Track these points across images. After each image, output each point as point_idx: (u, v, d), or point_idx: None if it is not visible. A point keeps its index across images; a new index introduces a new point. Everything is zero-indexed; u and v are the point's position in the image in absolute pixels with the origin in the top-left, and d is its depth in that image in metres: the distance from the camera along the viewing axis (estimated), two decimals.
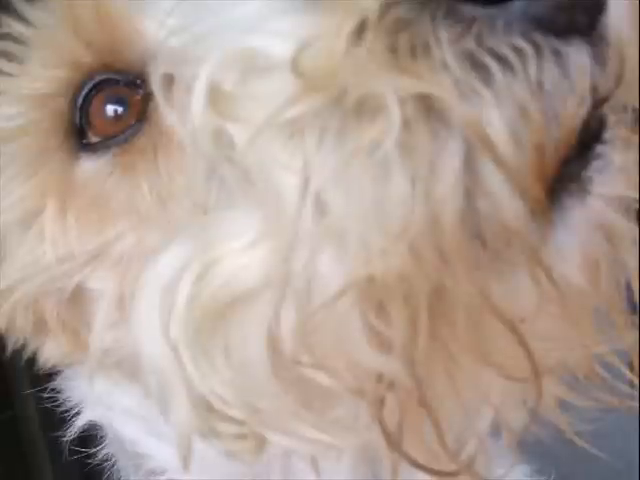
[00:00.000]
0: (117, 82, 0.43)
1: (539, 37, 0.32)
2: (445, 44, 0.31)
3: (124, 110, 0.42)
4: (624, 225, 0.37)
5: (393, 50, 0.31)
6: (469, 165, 0.31)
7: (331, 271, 0.33)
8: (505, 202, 0.32)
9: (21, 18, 0.45)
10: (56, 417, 0.55)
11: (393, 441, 0.37)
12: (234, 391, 0.38)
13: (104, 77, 0.43)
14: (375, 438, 0.37)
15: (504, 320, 0.34)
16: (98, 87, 0.43)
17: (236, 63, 0.35)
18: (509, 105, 0.31)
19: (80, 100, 0.43)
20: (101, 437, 0.55)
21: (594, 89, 0.33)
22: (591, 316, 0.39)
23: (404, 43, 0.31)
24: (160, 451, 0.50)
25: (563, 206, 0.35)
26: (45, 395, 0.55)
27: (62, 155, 0.44)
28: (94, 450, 0.55)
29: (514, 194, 0.32)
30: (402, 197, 0.31)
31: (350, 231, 0.32)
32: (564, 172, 0.34)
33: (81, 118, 0.44)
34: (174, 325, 0.37)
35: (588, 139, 0.35)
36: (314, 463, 0.43)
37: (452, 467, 0.38)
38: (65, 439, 0.53)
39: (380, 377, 0.35)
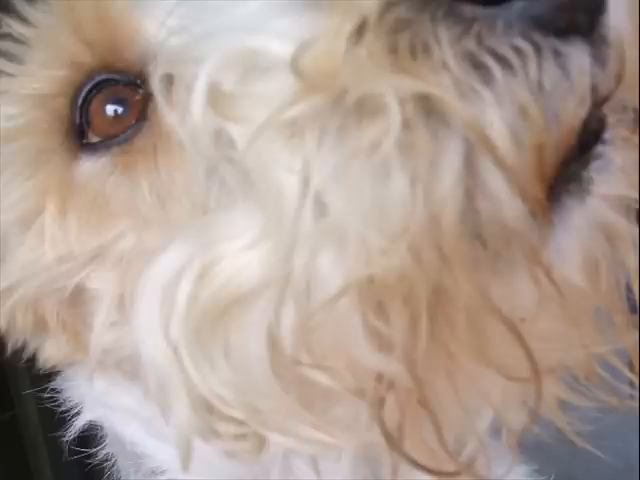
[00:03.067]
0: (117, 82, 0.43)
1: (539, 37, 0.32)
2: (445, 44, 0.31)
3: (124, 110, 0.42)
4: (624, 225, 0.37)
5: (393, 50, 0.31)
6: (469, 165, 0.31)
7: (331, 271, 0.33)
8: (505, 202, 0.32)
9: (21, 18, 0.45)
10: (56, 417, 0.55)
11: (393, 441, 0.36)
12: (234, 391, 0.38)
13: (104, 77, 0.43)
14: (375, 438, 0.37)
15: (504, 320, 0.34)
16: (98, 87, 0.43)
17: (236, 63, 0.35)
18: (509, 105, 0.31)
19: (80, 100, 0.43)
20: (101, 437, 0.55)
21: (594, 89, 0.33)
22: (591, 316, 0.39)
23: (404, 43, 0.31)
24: (160, 451, 0.50)
25: (563, 206, 0.35)
26: (45, 395, 0.55)
27: (62, 155, 0.44)
28: (94, 450, 0.55)
29: (514, 194, 0.32)
30: (402, 197, 0.31)
31: (350, 231, 0.32)
32: (564, 172, 0.34)
33: (81, 118, 0.44)
34: (174, 325, 0.37)
35: (588, 139, 0.35)
36: (314, 463, 0.44)
37: (452, 467, 0.38)
38: (65, 439, 0.53)
39: (380, 377, 0.35)
